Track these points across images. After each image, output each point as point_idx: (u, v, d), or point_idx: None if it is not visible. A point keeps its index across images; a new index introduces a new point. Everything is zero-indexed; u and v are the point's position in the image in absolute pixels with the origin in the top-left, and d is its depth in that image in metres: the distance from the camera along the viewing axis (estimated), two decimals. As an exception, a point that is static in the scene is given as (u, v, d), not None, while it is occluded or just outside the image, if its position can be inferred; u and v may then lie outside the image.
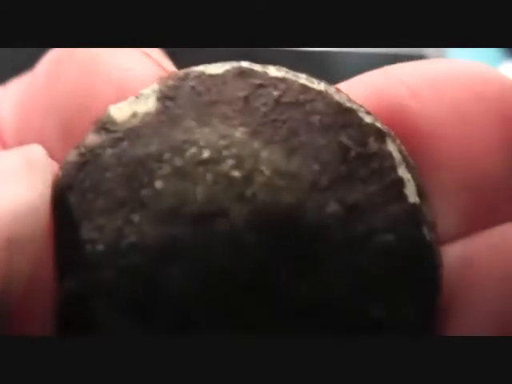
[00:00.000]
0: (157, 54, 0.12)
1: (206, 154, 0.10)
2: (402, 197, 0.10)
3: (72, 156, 0.11)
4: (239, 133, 0.10)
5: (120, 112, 0.11)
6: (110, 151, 0.11)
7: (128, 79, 0.11)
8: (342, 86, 0.12)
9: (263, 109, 0.11)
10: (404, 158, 0.11)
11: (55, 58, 0.13)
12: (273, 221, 0.10)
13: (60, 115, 0.12)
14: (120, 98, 0.11)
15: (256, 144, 0.10)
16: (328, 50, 0.36)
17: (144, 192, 0.10)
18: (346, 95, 0.11)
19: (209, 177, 0.10)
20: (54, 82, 0.12)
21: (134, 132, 0.11)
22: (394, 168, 0.10)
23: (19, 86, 0.13)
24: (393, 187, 0.10)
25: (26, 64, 0.14)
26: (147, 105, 0.11)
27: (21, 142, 0.13)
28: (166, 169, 0.10)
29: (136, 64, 0.12)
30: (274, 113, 0.11)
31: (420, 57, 0.43)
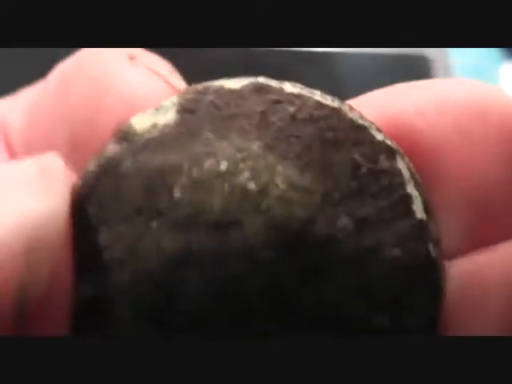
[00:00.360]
0: (166, 70, 0.12)
1: (223, 165, 0.11)
2: (410, 213, 0.11)
3: (92, 166, 0.11)
4: (255, 146, 0.11)
5: (140, 123, 0.11)
6: (129, 161, 0.11)
7: (137, 96, 0.12)
8: (350, 103, 0.12)
9: (279, 124, 0.11)
10: (412, 175, 0.11)
11: (66, 70, 0.13)
12: (286, 234, 0.10)
13: (69, 128, 0.12)
14: (127, 114, 0.11)
15: (271, 158, 0.11)
16: (330, 51, 0.36)
17: (162, 201, 0.11)
18: (359, 112, 0.11)
19: (226, 188, 0.10)
20: (64, 95, 0.12)
21: (153, 142, 0.11)
22: (402, 185, 0.11)
23: (29, 96, 0.13)
24: (401, 203, 0.11)
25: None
26: (166, 117, 0.11)
27: (29, 152, 0.13)
28: (184, 179, 0.11)
29: (145, 81, 0.12)
30: (289, 128, 0.11)
31: (422, 57, 0.43)
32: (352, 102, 0.12)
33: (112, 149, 0.11)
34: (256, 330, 0.11)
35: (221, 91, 0.11)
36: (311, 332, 0.11)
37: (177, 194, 0.11)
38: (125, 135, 0.11)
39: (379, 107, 0.12)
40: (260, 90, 0.11)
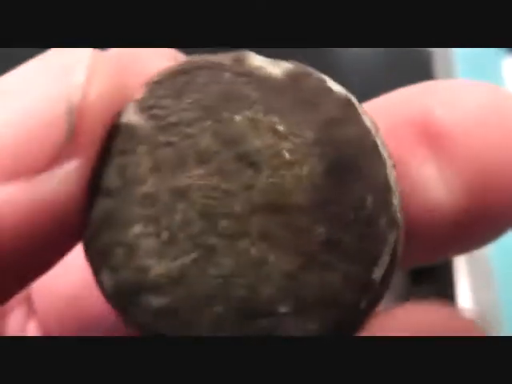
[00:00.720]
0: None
1: (279, 127, 0.12)
2: (369, 270, 0.12)
3: (196, 58, 0.13)
4: (309, 134, 0.12)
5: (254, 59, 0.13)
6: (228, 74, 0.12)
7: None
8: (369, 104, 0.13)
9: (337, 137, 0.12)
10: (395, 248, 0.12)
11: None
12: (277, 200, 0.12)
13: None
14: None
15: (312, 150, 0.12)
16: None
17: (222, 114, 0.12)
18: (396, 176, 0.12)
19: (268, 140, 0.12)
20: None
21: (251, 78, 0.12)
22: (382, 251, 0.12)
23: None
24: (369, 260, 0.12)
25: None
26: (275, 70, 0.13)
27: None
28: (248, 114, 0.12)
29: None
30: (341, 145, 0.12)
31: (423, 50, 0.43)
32: (377, 100, 0.13)
33: (221, 58, 0.13)
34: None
35: (322, 85, 0.13)
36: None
37: (237, 118, 0.12)
38: (238, 57, 0.13)
39: (405, 106, 0.13)
40: (347, 105, 0.13)
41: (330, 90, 0.12)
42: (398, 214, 0.12)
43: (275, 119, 0.12)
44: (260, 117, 0.12)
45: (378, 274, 0.12)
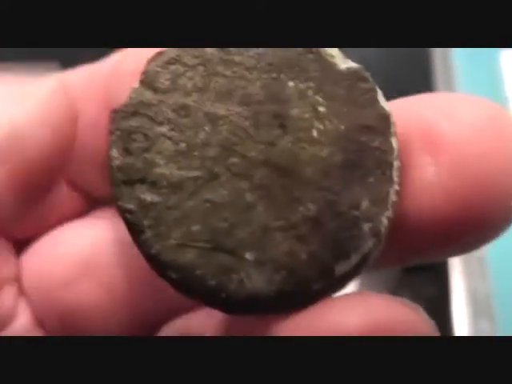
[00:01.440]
0: None
1: (321, 108, 0.14)
2: (334, 261, 0.13)
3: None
4: (342, 127, 0.14)
5: (333, 51, 0.14)
6: (299, 49, 0.14)
7: None
8: None
9: (362, 140, 0.14)
10: (367, 255, 0.13)
11: (117, 63, 0.15)
12: (286, 166, 0.13)
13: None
14: None
15: (338, 141, 0.13)
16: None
17: (277, 76, 0.14)
18: (396, 202, 0.13)
19: (306, 115, 0.14)
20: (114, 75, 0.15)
21: (319, 58, 0.14)
22: (353, 251, 0.13)
23: (86, 70, 0.16)
24: (338, 252, 0.13)
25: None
26: (341, 63, 0.14)
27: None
28: (299, 85, 0.14)
29: None
30: (362, 149, 0.13)
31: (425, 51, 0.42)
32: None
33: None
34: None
35: (373, 94, 0.14)
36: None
37: (290, 84, 0.14)
38: (319, 54, 0.14)
39: (411, 114, 0.14)
40: (385, 120, 0.14)
41: (377, 101, 0.14)
42: (383, 230, 0.13)
43: (321, 100, 0.14)
44: (309, 92, 0.14)
45: (341, 268, 0.13)
